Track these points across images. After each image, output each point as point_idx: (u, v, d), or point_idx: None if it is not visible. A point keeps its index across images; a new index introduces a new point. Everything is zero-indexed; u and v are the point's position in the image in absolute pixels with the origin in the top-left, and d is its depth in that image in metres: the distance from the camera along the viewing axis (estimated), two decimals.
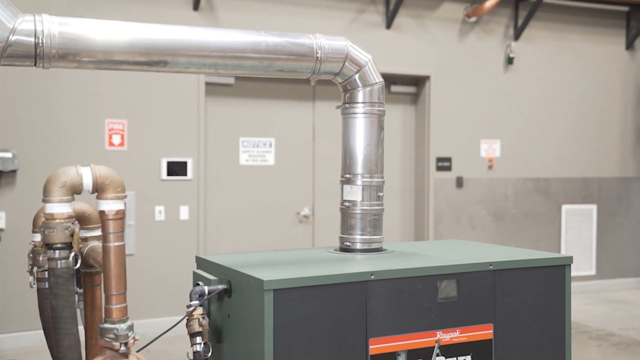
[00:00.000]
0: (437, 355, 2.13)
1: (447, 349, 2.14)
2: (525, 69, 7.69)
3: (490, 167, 7.56)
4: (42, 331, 2.39)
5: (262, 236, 6.67)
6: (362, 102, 2.45)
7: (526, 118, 7.72)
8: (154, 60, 2.12)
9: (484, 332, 2.21)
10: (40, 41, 1.94)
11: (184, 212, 6.20)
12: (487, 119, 7.55)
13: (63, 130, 5.78)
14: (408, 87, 7.45)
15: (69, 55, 2.00)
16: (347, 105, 2.48)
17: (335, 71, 2.41)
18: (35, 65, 2.00)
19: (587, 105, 8.04)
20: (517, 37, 7.60)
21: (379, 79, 2.47)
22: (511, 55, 7.55)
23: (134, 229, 5.98)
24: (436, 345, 2.13)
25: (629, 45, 8.23)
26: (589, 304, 7.33)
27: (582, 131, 8.03)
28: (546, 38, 7.80)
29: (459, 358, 2.16)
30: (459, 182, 7.41)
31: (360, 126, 2.46)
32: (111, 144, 5.94)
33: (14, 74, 5.58)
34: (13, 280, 5.52)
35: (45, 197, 1.82)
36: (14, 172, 5.58)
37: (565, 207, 7.95)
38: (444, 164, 7.35)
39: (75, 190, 1.85)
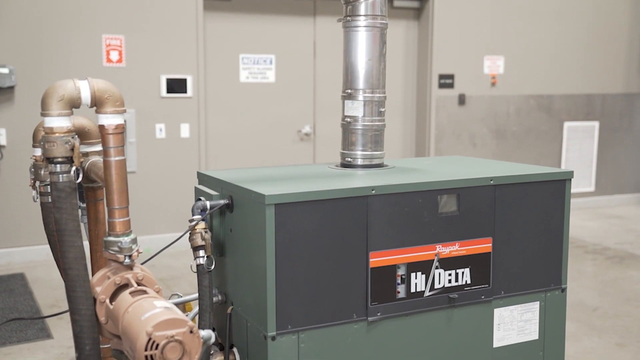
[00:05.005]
0: (437, 267, 2.17)
1: (446, 262, 2.18)
2: None
3: (493, 84, 7.47)
4: (48, 245, 2.44)
5: (262, 154, 6.67)
6: (364, 15, 2.39)
7: (531, 33, 7.56)
8: None
9: (483, 246, 2.24)
10: None
11: (185, 130, 6.18)
12: (491, 34, 7.39)
13: (60, 46, 5.67)
14: (411, 1, 7.26)
15: None
16: (348, 18, 2.42)
17: None
18: None
19: (593, 20, 7.86)
20: None
21: None
22: None
23: (134, 147, 5.98)
24: (435, 258, 2.16)
25: None
26: (587, 220, 7.42)
27: (587, 47, 7.88)
28: None
29: (457, 270, 2.20)
30: (461, 100, 7.35)
31: (362, 40, 2.41)
32: (109, 60, 5.85)
33: None
34: (17, 196, 5.57)
35: (44, 110, 1.80)
36: (11, 88, 5.52)
37: (567, 124, 7.91)
38: (446, 81, 7.25)
39: (73, 104, 1.83)
